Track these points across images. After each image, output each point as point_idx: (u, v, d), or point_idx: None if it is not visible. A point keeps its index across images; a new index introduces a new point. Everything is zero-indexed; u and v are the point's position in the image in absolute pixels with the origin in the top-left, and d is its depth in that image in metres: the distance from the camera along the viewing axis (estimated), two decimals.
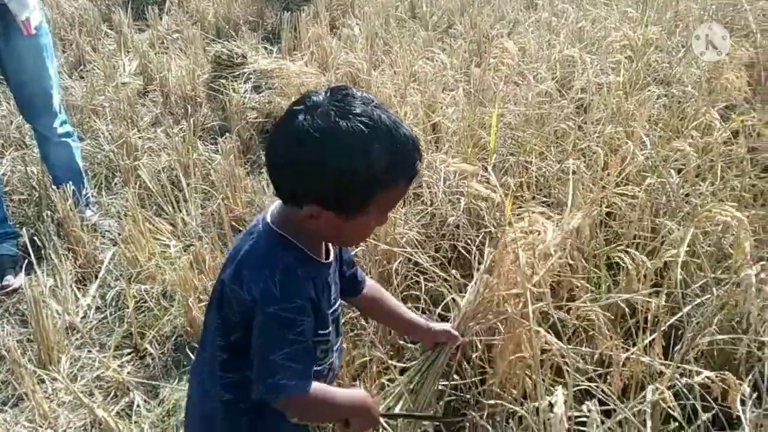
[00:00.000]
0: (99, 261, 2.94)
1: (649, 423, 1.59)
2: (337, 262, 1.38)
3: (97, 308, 2.73)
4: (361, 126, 1.06)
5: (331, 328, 1.30)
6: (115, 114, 4.14)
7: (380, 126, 1.08)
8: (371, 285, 1.55)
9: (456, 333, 1.58)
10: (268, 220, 1.23)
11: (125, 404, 2.26)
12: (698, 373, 1.54)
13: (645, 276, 1.83)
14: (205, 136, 3.96)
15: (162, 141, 3.80)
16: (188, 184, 3.23)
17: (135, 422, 2.16)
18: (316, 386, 1.21)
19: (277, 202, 1.25)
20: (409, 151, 1.12)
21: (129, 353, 2.51)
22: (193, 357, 2.35)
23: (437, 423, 1.82)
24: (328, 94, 1.11)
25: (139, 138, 3.84)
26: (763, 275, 1.51)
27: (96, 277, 2.87)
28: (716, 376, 1.50)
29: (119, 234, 3.02)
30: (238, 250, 1.25)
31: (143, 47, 4.93)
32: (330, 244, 1.31)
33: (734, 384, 1.50)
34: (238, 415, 1.31)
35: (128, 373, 2.38)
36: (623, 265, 1.99)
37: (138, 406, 2.23)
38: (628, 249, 1.74)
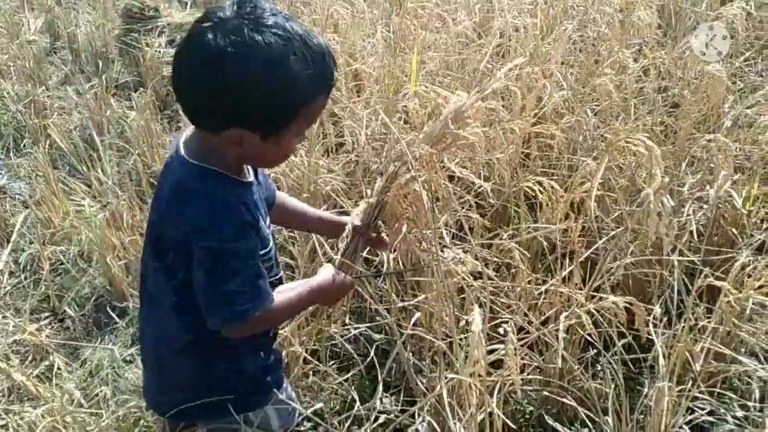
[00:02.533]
0: (10, 225, 2.81)
1: (561, 345, 1.65)
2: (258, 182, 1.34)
3: (11, 273, 2.61)
4: (277, 39, 1.01)
5: (272, 245, 1.28)
6: (21, 73, 3.91)
7: (294, 37, 1.03)
8: (277, 193, 1.50)
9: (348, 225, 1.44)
10: (183, 153, 1.16)
11: (45, 368, 2.18)
12: (613, 301, 1.60)
13: (561, 211, 1.87)
14: (119, 93, 3.79)
15: (73, 99, 3.62)
16: (102, 142, 3.10)
17: (56, 385, 2.09)
18: (272, 300, 1.20)
19: (186, 133, 1.19)
20: (325, 61, 1.08)
21: (47, 317, 2.42)
22: (114, 316, 2.30)
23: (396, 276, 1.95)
24: (235, 8, 1.04)
25: (48, 97, 3.65)
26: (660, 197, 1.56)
27: (8, 242, 2.74)
28: (627, 302, 1.56)
29: (30, 196, 2.89)
30: (161, 189, 1.21)
31: (49, 2, 4.67)
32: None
33: (642, 309, 1.56)
34: (202, 353, 1.28)
35: (47, 336, 2.29)
36: (541, 201, 2.04)
37: (59, 368, 2.16)
38: (545, 179, 1.77)
